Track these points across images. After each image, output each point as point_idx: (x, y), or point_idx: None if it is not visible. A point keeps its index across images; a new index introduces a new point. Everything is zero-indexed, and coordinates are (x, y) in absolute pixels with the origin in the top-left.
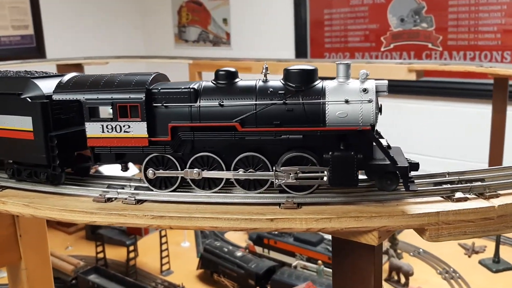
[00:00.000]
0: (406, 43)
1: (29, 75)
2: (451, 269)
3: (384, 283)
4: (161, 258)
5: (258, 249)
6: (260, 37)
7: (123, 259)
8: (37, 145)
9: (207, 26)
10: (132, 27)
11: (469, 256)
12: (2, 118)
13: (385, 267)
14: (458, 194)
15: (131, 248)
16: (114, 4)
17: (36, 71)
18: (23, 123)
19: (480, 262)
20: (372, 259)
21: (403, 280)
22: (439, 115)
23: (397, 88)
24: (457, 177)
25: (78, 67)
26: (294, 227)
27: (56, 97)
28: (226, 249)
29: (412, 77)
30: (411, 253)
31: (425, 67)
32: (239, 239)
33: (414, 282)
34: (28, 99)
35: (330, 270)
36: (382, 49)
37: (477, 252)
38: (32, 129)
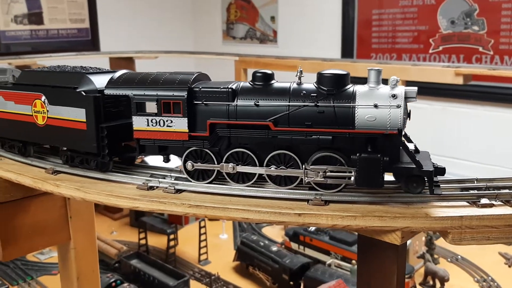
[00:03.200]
0: (455, 46)
1: (84, 71)
2: (489, 277)
3: (418, 287)
4: (200, 248)
5: (294, 246)
6: (307, 35)
7: (163, 247)
8: (89, 135)
9: (255, 23)
10: (183, 24)
11: (510, 266)
12: (59, 109)
13: (421, 271)
14: (484, 200)
15: (172, 236)
16: (167, 1)
17: (90, 67)
18: (77, 114)
19: None
20: (395, 258)
21: (438, 285)
22: (487, 120)
23: (445, 92)
24: (485, 184)
25: (129, 60)
26: (320, 223)
27: (107, 91)
28: (262, 243)
29: (459, 81)
30: (449, 259)
31: (472, 71)
32: (276, 234)
33: None
34: (82, 92)
35: None
36: (431, 51)
37: None
38: (85, 120)
